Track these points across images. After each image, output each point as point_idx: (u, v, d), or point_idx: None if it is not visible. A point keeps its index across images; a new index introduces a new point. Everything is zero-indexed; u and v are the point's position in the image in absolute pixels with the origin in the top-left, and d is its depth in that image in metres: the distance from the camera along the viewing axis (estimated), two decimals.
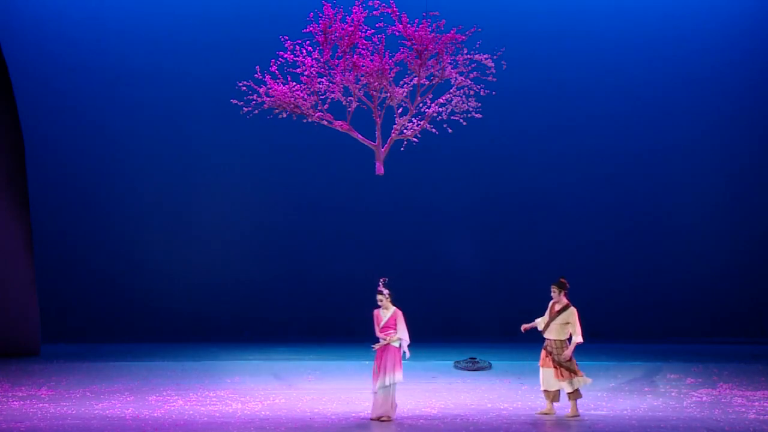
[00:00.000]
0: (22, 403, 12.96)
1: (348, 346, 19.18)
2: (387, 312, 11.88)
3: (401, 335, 11.79)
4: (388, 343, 11.77)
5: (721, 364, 16.91)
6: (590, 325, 21.52)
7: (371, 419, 11.74)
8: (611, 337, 21.46)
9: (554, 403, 12.30)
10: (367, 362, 13.90)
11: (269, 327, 21.69)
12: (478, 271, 21.91)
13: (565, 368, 12.14)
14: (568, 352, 12.14)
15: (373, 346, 11.87)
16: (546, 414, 12.23)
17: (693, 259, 21.77)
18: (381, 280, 11.95)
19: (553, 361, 12.19)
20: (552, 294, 12.39)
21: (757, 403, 13.03)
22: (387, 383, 11.69)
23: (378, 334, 11.91)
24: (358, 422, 11.70)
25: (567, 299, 12.39)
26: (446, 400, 13.46)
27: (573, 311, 12.29)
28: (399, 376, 11.76)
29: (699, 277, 21.71)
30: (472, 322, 21.80)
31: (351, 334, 19.62)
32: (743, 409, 12.56)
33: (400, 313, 11.87)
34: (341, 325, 21.09)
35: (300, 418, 11.97)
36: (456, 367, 16.90)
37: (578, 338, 12.19)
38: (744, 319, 21.62)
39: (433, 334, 21.39)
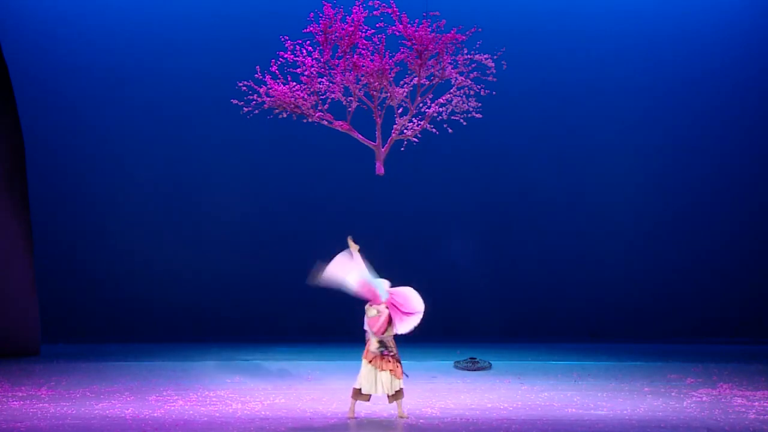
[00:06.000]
0: (22, 403, 12.95)
1: (348, 346, 19.11)
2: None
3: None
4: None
5: (721, 364, 16.91)
6: (590, 325, 21.83)
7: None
8: (611, 337, 21.46)
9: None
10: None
11: (269, 327, 21.67)
12: (478, 271, 21.88)
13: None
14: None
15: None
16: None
17: (693, 258, 21.75)
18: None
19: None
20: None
21: (757, 403, 13.02)
22: None
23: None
24: (358, 422, 11.70)
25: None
26: (446, 400, 13.46)
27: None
28: None
29: (699, 277, 21.69)
30: (473, 322, 21.78)
31: (351, 334, 19.56)
32: (743, 409, 12.55)
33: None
34: (341, 325, 21.04)
35: (300, 418, 11.97)
36: (456, 367, 16.89)
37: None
38: (744, 319, 21.61)
39: (433, 334, 21.34)
